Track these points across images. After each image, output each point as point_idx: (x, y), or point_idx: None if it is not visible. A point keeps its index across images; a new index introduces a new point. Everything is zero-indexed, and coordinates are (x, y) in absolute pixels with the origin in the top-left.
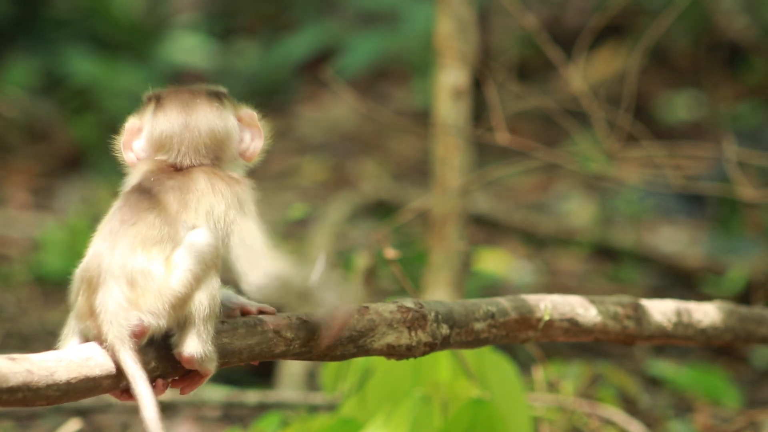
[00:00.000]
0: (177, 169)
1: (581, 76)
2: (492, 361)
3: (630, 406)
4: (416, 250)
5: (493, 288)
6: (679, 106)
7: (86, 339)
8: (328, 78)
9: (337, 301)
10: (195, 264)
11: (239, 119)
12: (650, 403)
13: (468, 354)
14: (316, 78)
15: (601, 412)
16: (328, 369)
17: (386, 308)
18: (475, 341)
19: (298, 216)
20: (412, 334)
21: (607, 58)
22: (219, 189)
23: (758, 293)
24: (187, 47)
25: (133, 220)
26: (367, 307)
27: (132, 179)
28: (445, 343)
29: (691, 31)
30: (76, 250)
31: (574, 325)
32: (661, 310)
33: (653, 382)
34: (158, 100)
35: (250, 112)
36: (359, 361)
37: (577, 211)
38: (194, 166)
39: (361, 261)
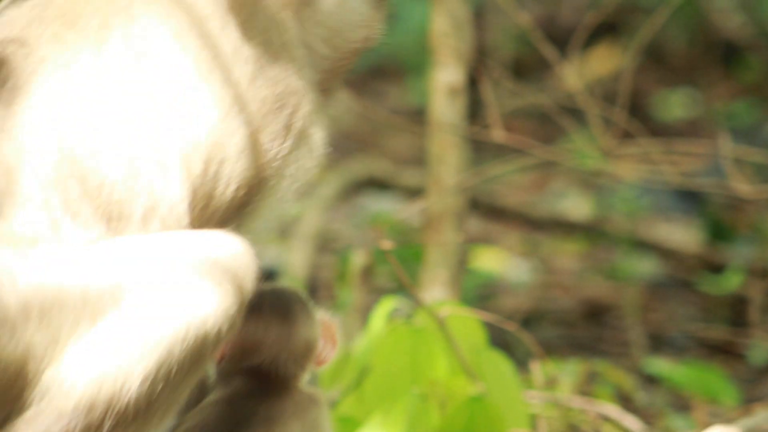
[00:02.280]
0: (265, 382)
1: (577, 73)
2: (489, 359)
3: (627, 403)
4: (412, 247)
5: (489, 286)
6: (675, 104)
7: None
8: None
9: None
10: None
11: None
12: (647, 401)
13: (465, 352)
14: None
15: (599, 409)
16: None
17: None
18: None
19: (293, 214)
20: None
21: (602, 56)
22: (302, 416)
23: (754, 290)
24: None
25: None
26: None
27: (219, 384)
28: None
29: (686, 29)
30: None
31: None
32: None
33: (650, 380)
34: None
35: (329, 321)
36: (357, 359)
37: (574, 209)
38: (282, 381)
39: (358, 259)
